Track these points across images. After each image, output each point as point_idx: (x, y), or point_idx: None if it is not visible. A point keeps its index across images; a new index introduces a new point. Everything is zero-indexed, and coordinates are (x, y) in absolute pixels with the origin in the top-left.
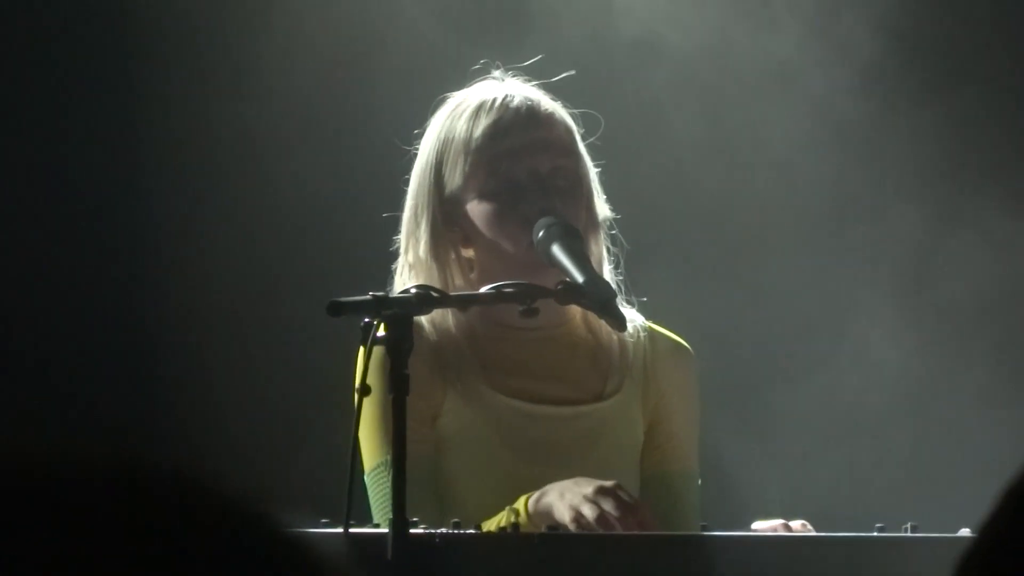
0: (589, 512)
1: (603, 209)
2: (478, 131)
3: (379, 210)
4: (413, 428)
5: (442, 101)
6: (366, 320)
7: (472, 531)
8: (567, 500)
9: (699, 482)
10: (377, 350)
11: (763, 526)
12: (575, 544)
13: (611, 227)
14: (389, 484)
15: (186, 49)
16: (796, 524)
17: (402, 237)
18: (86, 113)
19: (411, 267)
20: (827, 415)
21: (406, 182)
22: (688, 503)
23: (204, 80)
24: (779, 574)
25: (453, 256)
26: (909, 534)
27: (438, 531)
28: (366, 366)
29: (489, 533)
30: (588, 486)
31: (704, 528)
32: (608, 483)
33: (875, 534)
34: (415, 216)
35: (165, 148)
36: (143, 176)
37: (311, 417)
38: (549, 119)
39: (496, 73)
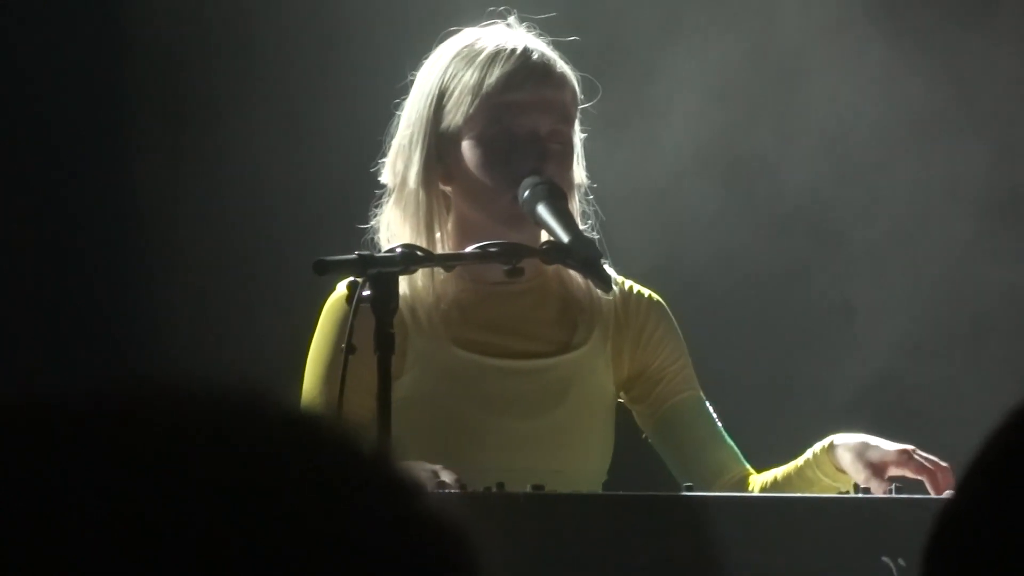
0: None
1: (580, 175)
2: (492, 77)
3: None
4: (358, 400)
5: (451, 34)
6: (351, 279)
7: (456, 491)
8: None
9: (708, 405)
10: (335, 304)
11: (848, 440)
12: (561, 503)
13: (587, 194)
14: None
15: None
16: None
17: (389, 160)
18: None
19: (400, 192)
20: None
21: (396, 107)
22: (704, 423)
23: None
24: (763, 534)
25: (439, 189)
26: (894, 495)
27: None
28: (351, 325)
29: (474, 492)
30: None
31: (688, 488)
32: None
33: (859, 495)
34: (410, 142)
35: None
36: (126, 128)
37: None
38: (561, 81)
39: (511, 20)
